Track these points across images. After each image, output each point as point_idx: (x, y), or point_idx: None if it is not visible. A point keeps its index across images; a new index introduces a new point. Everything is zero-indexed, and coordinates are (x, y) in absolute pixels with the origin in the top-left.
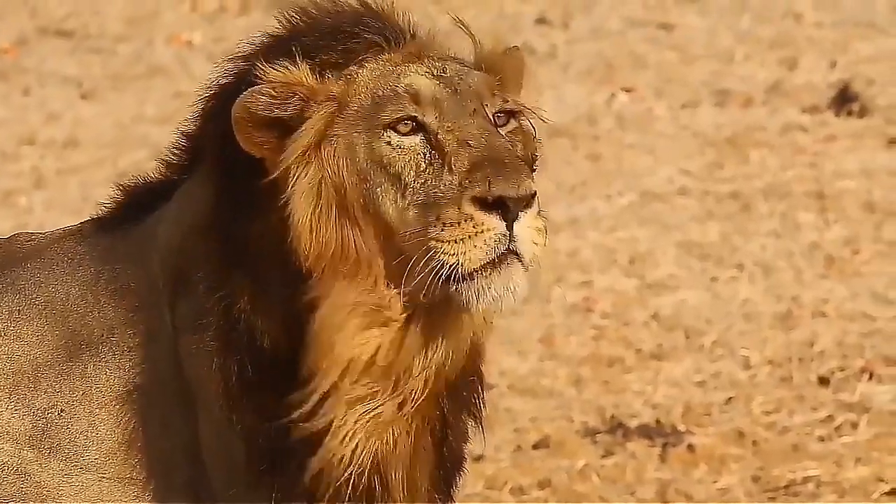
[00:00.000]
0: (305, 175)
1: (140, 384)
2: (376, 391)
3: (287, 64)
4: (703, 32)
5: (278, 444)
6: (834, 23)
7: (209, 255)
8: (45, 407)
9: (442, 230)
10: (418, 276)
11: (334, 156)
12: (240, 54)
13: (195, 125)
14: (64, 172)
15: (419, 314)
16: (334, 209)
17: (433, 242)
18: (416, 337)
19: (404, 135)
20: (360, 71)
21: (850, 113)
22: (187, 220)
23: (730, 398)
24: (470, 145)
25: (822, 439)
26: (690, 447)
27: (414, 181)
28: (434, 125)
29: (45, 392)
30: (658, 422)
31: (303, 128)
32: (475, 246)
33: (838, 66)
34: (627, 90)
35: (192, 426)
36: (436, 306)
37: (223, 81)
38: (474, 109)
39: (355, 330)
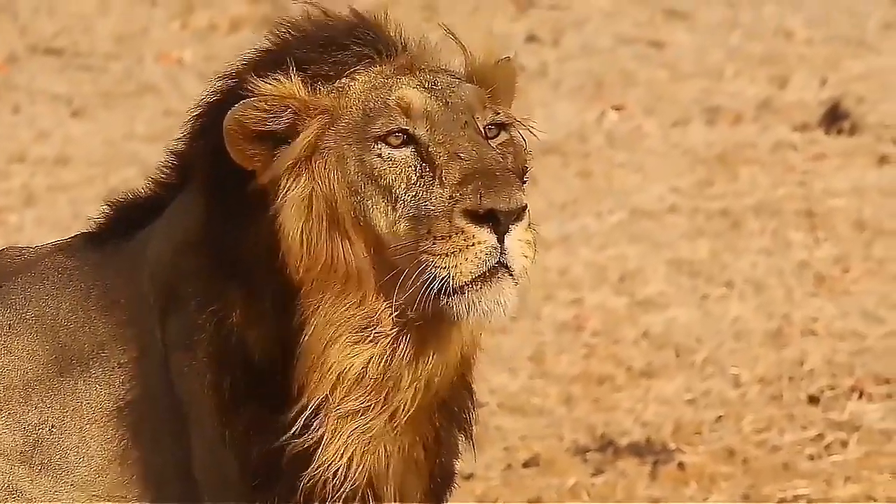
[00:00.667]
0: (295, 187)
1: (130, 400)
2: (367, 405)
3: (279, 77)
4: (693, 50)
5: (272, 459)
6: (824, 40)
7: (200, 270)
8: (35, 423)
9: (433, 243)
10: (409, 289)
11: (325, 168)
12: (231, 70)
13: (185, 142)
14: (54, 190)
15: (409, 327)
16: (325, 222)
17: (424, 255)
18: (406, 350)
19: (395, 147)
20: (352, 83)
21: (840, 131)
22: (178, 236)
23: (720, 416)
24: (461, 158)
25: (811, 458)
26: (681, 465)
27: (405, 194)
28: (425, 138)
29: (35, 408)
30: (648, 440)
31: (294, 140)
32: (466, 259)
33: (829, 84)
34: (617, 108)
35: (183, 442)
36: (425, 320)
37: (214, 97)
38: (465, 122)
39: (345, 343)
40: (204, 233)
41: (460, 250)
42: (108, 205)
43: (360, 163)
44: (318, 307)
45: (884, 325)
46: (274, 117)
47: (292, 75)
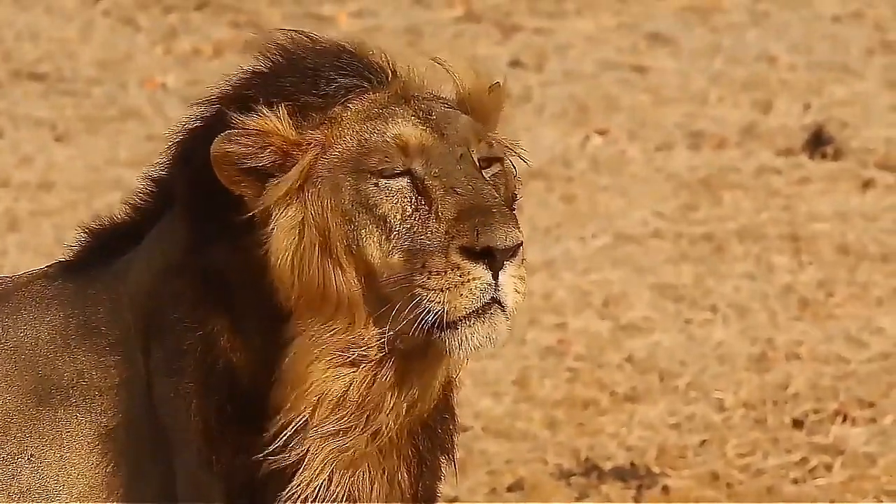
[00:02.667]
0: (286, 215)
1: (111, 428)
2: (347, 426)
3: (264, 111)
4: (676, 75)
5: (257, 483)
6: (808, 65)
7: (184, 295)
8: (14, 452)
9: (428, 278)
10: (402, 320)
11: (318, 197)
12: (215, 95)
13: (167, 168)
14: (37, 215)
15: (394, 353)
16: (316, 249)
17: (419, 289)
18: (389, 375)
19: (390, 178)
20: (344, 112)
21: (824, 156)
22: (158, 262)
23: (704, 440)
24: (457, 193)
25: (796, 482)
26: (665, 489)
27: (399, 225)
28: (421, 171)
29: (14, 437)
30: (632, 464)
31: (283, 177)
32: (461, 295)
33: (812, 109)
34: (601, 132)
35: (165, 468)
36: (412, 348)
37: (198, 123)
38: (461, 155)
39: (327, 365)
40: (189, 257)
41: (455, 286)
42: (85, 232)
43: (356, 192)
44: (305, 330)
45: (868, 349)
46: (257, 154)
47: (279, 109)
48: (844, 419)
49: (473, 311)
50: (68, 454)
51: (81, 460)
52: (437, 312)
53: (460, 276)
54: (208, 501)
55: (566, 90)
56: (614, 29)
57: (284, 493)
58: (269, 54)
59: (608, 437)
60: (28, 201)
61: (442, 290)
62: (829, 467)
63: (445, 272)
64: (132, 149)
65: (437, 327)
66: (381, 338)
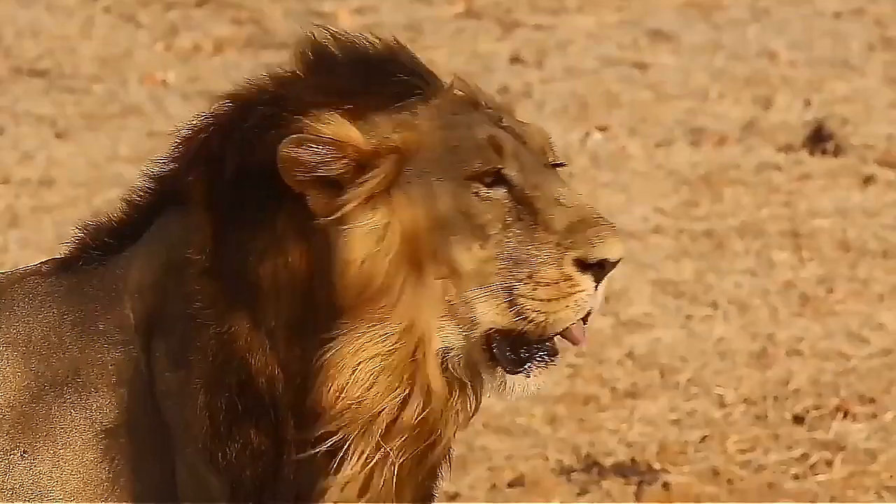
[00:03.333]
0: (370, 219)
1: (107, 424)
2: (397, 435)
3: (336, 118)
4: (677, 71)
5: (264, 483)
6: (808, 62)
7: (201, 293)
8: (7, 449)
9: (535, 289)
10: (484, 328)
11: (409, 202)
12: (256, 91)
13: (179, 165)
14: (38, 211)
15: (448, 361)
16: (396, 254)
17: (521, 300)
18: (447, 393)
19: (489, 186)
20: (415, 118)
21: (824, 152)
22: (161, 259)
23: (705, 436)
24: (562, 204)
25: (797, 477)
26: (665, 485)
27: (499, 234)
28: (517, 179)
29: (6, 434)
30: (633, 460)
31: (361, 186)
32: (566, 306)
33: (813, 106)
34: (602, 129)
35: (164, 465)
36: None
37: (231, 119)
38: (545, 164)
39: (379, 371)
40: (213, 257)
41: (564, 297)
42: (81, 230)
43: (455, 200)
44: (358, 333)
45: (868, 345)
46: (330, 163)
47: (348, 116)
48: (845, 415)
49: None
50: (62, 451)
51: (75, 457)
52: (538, 323)
53: (570, 287)
54: (210, 498)
55: (567, 86)
56: (615, 25)
57: (316, 492)
58: (312, 51)
59: (609, 433)
60: (29, 198)
61: (549, 301)
62: (829, 463)
63: (557, 283)
64: (133, 145)
65: (525, 342)
66: (443, 345)
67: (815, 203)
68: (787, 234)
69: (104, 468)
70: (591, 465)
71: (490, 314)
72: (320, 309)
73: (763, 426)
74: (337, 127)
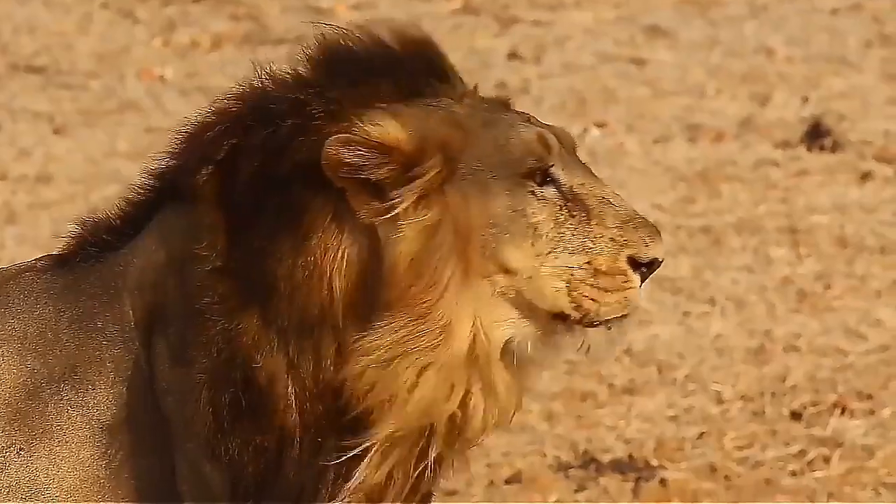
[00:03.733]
0: (424, 216)
1: (105, 421)
2: (426, 432)
3: (384, 118)
4: (674, 68)
5: (266, 479)
6: (805, 58)
7: (213, 290)
8: (2, 446)
9: (594, 275)
10: (529, 319)
11: (463, 199)
12: (281, 86)
13: (187, 161)
14: (36, 208)
15: (490, 359)
16: (446, 249)
17: (579, 285)
18: (483, 380)
19: (541, 185)
20: (458, 115)
21: (822, 148)
22: (161, 256)
23: (702, 433)
24: (611, 203)
25: (794, 474)
26: (663, 482)
27: (550, 231)
28: (564, 178)
29: (2, 431)
30: (631, 456)
31: (411, 187)
32: (616, 301)
33: (810, 102)
34: (599, 125)
35: (163, 463)
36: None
37: (242, 117)
38: (582, 163)
39: (434, 385)
40: (226, 255)
41: (616, 290)
42: (77, 227)
43: (511, 198)
44: (398, 329)
45: (866, 341)
46: (376, 167)
47: (392, 117)
48: (843, 411)
49: (616, 317)
50: (58, 448)
51: (72, 454)
52: (589, 310)
53: (623, 283)
54: (210, 495)
55: (564, 82)
56: (612, 21)
57: (332, 489)
58: (330, 49)
59: (606, 430)
60: (26, 194)
61: (602, 290)
62: (827, 459)
63: (613, 276)
64: (131, 141)
65: (577, 324)
66: (508, 338)
67: (813, 199)
68: (785, 230)
69: (101, 465)
70: (589, 462)
71: (548, 301)
72: (352, 307)
73: (760, 423)
74: (385, 129)
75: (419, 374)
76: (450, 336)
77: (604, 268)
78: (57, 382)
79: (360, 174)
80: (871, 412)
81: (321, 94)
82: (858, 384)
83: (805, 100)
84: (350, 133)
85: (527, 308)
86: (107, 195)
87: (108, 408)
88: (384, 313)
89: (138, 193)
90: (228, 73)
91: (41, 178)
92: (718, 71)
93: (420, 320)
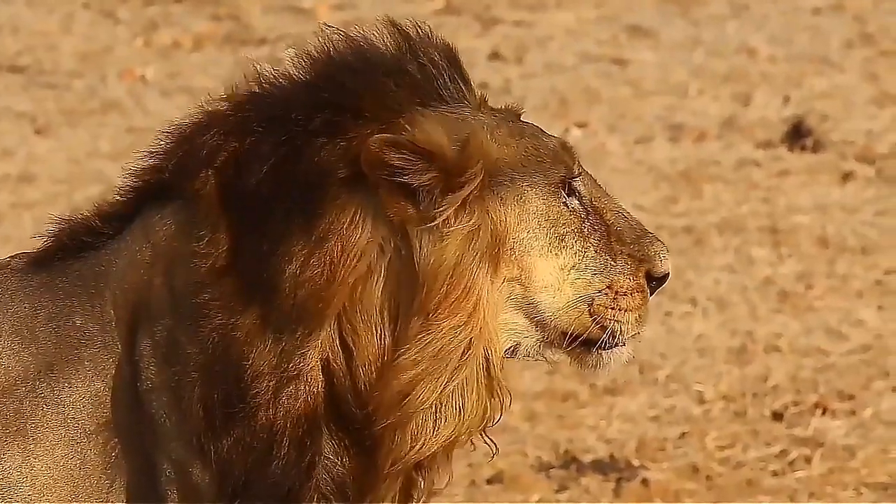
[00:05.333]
0: (468, 221)
1: (81, 420)
2: (449, 436)
3: (429, 121)
4: (656, 67)
5: (254, 479)
6: (787, 58)
7: (213, 287)
8: None
9: (615, 298)
10: (551, 332)
11: (502, 205)
12: (294, 82)
13: (183, 164)
14: (18, 207)
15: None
16: (479, 255)
17: (602, 310)
18: (498, 384)
19: (570, 195)
20: (489, 122)
21: (803, 148)
22: (146, 255)
23: (684, 433)
24: (625, 217)
25: (776, 474)
26: (644, 482)
27: (574, 243)
28: (583, 190)
29: None
30: (612, 457)
31: (456, 195)
32: (637, 318)
33: (792, 102)
34: (581, 125)
35: (141, 462)
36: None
37: (247, 122)
38: (590, 174)
39: (475, 400)
40: (229, 254)
41: (636, 308)
42: (57, 225)
43: (546, 206)
44: (427, 335)
45: (847, 341)
46: (418, 173)
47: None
48: (824, 412)
49: (634, 334)
50: (32, 447)
51: (46, 453)
52: (613, 331)
53: (641, 300)
54: (198, 497)
55: (546, 83)
56: (594, 21)
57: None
58: (351, 47)
59: (588, 430)
60: (9, 194)
61: (626, 311)
62: (808, 460)
63: (633, 294)
64: (113, 141)
65: (601, 346)
66: (510, 346)
67: (795, 199)
68: (767, 230)
69: (76, 465)
70: (570, 462)
71: (565, 321)
72: (365, 306)
73: (742, 423)
74: (430, 135)
75: (462, 387)
76: (483, 343)
77: (623, 289)
78: (32, 380)
79: (401, 178)
80: (853, 412)
81: (340, 96)
82: (840, 384)
83: (787, 99)
84: (396, 135)
85: (535, 320)
86: (89, 195)
87: (84, 406)
88: (422, 321)
89: (119, 194)
90: (210, 73)
91: (24, 178)
92: (700, 71)
93: (461, 328)
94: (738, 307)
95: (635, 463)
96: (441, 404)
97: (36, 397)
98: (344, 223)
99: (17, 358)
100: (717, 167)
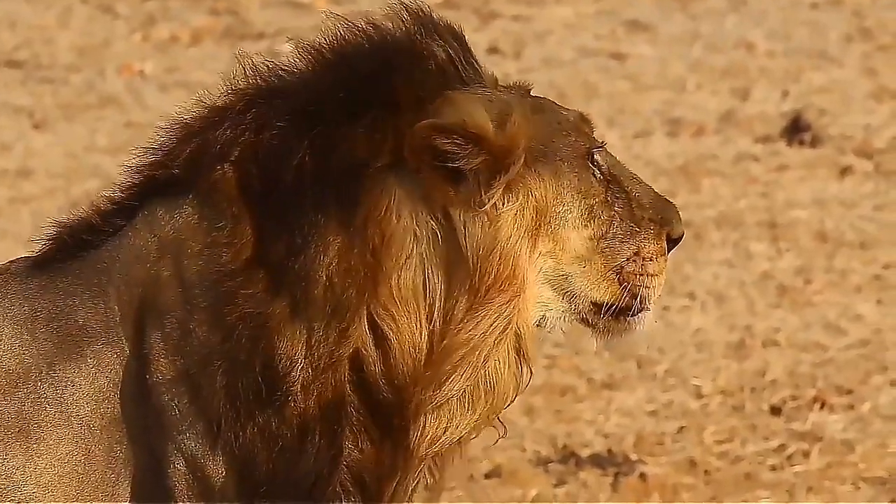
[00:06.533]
0: (515, 202)
1: (84, 417)
2: (480, 414)
3: (474, 108)
4: (654, 62)
5: (279, 468)
6: (786, 53)
7: (241, 277)
8: None
9: (643, 264)
10: (582, 302)
11: (541, 182)
12: (307, 74)
13: (205, 153)
14: (16, 202)
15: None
16: (523, 231)
17: (631, 276)
18: (526, 360)
19: (595, 165)
20: (514, 101)
21: (802, 143)
22: (153, 249)
23: (682, 427)
24: (640, 183)
25: (774, 468)
26: (642, 476)
27: (602, 213)
28: (601, 160)
29: None
30: (610, 451)
31: (503, 178)
32: (661, 282)
33: (790, 96)
34: None
35: (146, 457)
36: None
37: (300, 103)
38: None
39: (514, 370)
40: (256, 245)
41: (661, 272)
42: (55, 227)
43: (578, 180)
44: (488, 311)
45: (846, 336)
46: (467, 157)
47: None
48: (822, 406)
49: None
50: (35, 445)
51: (49, 451)
52: (644, 297)
53: (664, 263)
54: (209, 491)
55: (545, 77)
56: (593, 16)
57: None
58: (384, 32)
59: (586, 424)
60: (6, 188)
61: (654, 275)
62: (806, 454)
63: (657, 259)
64: (110, 136)
65: (631, 312)
66: (535, 321)
67: (793, 194)
68: (765, 224)
69: (80, 461)
70: (568, 456)
71: (597, 291)
72: (403, 291)
73: (740, 417)
74: (476, 119)
75: (497, 364)
76: (520, 318)
77: (650, 254)
78: (34, 381)
79: (451, 162)
80: (851, 407)
81: (367, 86)
82: (838, 379)
83: (785, 94)
84: (442, 120)
85: (564, 292)
86: (87, 189)
87: (87, 403)
88: (471, 302)
89: (119, 190)
90: (208, 67)
91: (21, 173)
92: (699, 65)
93: (507, 305)
94: (736, 301)
95: (633, 457)
96: (477, 384)
97: (38, 398)
98: (382, 212)
99: (17, 359)
100: (716, 161)
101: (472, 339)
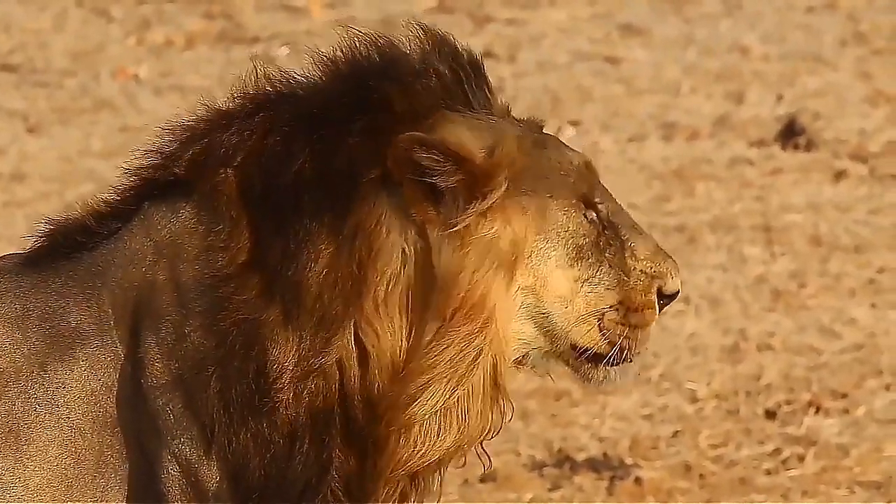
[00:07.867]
0: (490, 230)
1: (74, 419)
2: (453, 444)
3: (459, 129)
4: (649, 66)
5: (271, 474)
6: (780, 56)
7: (234, 282)
8: None
9: (627, 315)
10: (560, 344)
11: (523, 214)
12: (318, 83)
13: (205, 156)
14: (10, 206)
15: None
16: (495, 263)
17: (612, 325)
18: (501, 393)
19: (589, 208)
20: (515, 131)
21: (796, 146)
22: (148, 252)
23: (677, 431)
24: (640, 232)
25: (769, 472)
26: (637, 480)
27: (590, 257)
28: (601, 205)
29: None
30: (605, 455)
31: (482, 203)
32: (646, 335)
33: (785, 100)
34: (574, 123)
35: (137, 461)
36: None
37: (272, 122)
38: (606, 189)
39: (478, 410)
40: (253, 250)
41: (646, 325)
42: (47, 225)
43: (566, 219)
44: (450, 340)
45: (840, 340)
46: (446, 175)
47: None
48: (817, 410)
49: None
50: (25, 447)
51: (39, 453)
52: (623, 348)
53: (651, 316)
54: (202, 495)
55: (539, 81)
56: (587, 19)
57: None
58: (383, 46)
59: (581, 429)
60: (0, 192)
61: (636, 327)
62: (801, 458)
63: (643, 310)
64: (105, 140)
65: (609, 362)
66: (518, 357)
67: (787, 198)
68: (759, 228)
69: (70, 464)
70: (564, 460)
71: (576, 334)
72: (386, 303)
73: (735, 421)
74: (460, 139)
75: (468, 395)
76: (494, 351)
77: (635, 305)
78: (24, 381)
79: (428, 178)
80: (846, 411)
81: (371, 97)
82: (833, 383)
83: (780, 98)
84: (426, 135)
85: (545, 330)
86: (81, 193)
87: (78, 406)
88: (438, 326)
89: (115, 193)
90: (203, 71)
91: (15, 177)
92: (693, 69)
93: (475, 335)
94: (730, 305)
95: (628, 461)
96: (447, 410)
97: (28, 398)
98: (372, 223)
99: (8, 359)
100: (710, 165)
101: (437, 364)
